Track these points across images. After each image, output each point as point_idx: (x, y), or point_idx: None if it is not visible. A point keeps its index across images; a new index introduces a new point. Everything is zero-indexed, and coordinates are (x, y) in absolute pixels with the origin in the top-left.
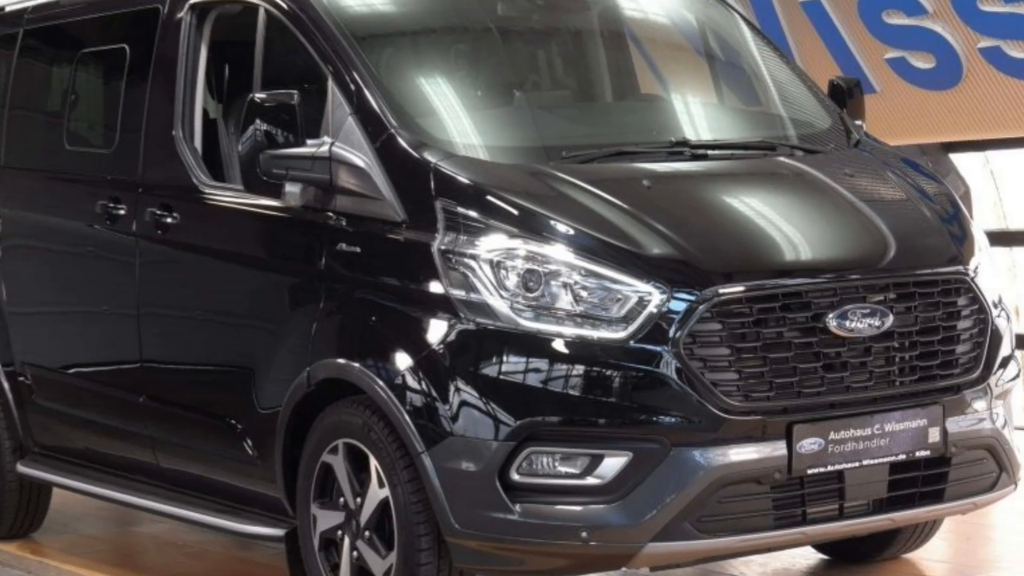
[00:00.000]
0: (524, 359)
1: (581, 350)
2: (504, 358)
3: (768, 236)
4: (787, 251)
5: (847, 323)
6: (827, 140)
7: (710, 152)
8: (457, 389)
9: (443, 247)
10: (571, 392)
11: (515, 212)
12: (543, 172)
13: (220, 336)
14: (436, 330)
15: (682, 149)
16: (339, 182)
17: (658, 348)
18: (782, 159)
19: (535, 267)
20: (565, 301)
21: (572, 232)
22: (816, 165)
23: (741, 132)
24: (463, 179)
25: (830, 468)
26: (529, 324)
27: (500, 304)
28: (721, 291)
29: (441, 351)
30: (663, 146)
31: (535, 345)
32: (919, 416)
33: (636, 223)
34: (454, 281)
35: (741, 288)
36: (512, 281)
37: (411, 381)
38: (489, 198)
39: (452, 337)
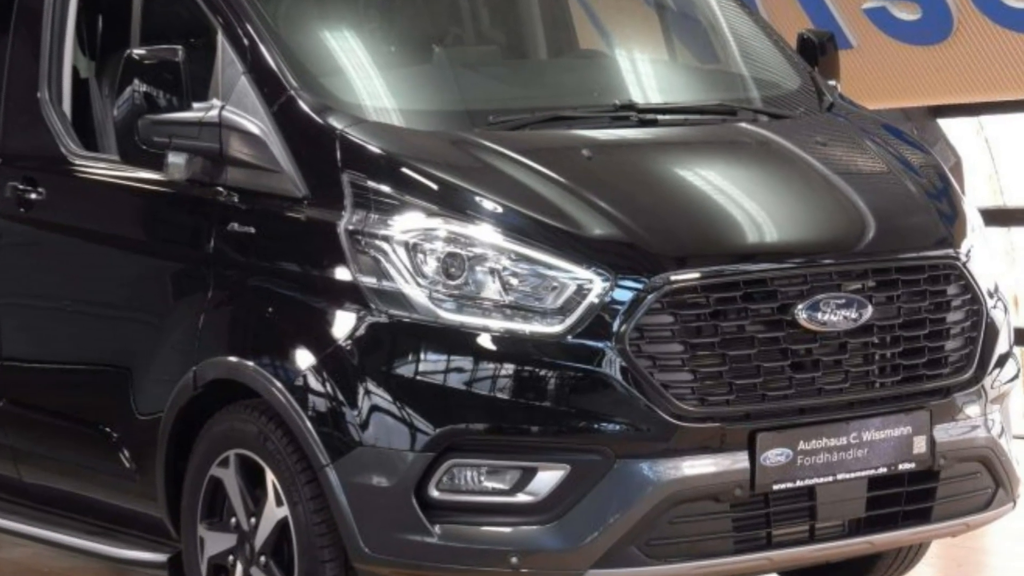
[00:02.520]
0: (445, 357)
1: (511, 346)
2: (422, 356)
3: (727, 215)
4: (750, 232)
5: (819, 315)
6: (796, 103)
7: (660, 117)
8: (367, 392)
9: (351, 227)
10: (499, 395)
11: (434, 187)
12: (467, 140)
13: (92, 331)
14: (343, 323)
15: (628, 114)
16: (230, 152)
17: (600, 344)
18: (744, 125)
19: (457, 250)
20: (492, 290)
21: (500, 210)
22: (783, 132)
23: (696, 94)
24: (374, 148)
25: (799, 483)
26: (451, 316)
27: (417, 293)
28: (673, 278)
29: (349, 348)
30: (606, 110)
31: (458, 341)
32: (902, 423)
33: (574, 199)
34: (364, 266)
35: (696, 275)
36: (431, 266)
37: (314, 383)
38: (404, 171)
39: (361, 331)
